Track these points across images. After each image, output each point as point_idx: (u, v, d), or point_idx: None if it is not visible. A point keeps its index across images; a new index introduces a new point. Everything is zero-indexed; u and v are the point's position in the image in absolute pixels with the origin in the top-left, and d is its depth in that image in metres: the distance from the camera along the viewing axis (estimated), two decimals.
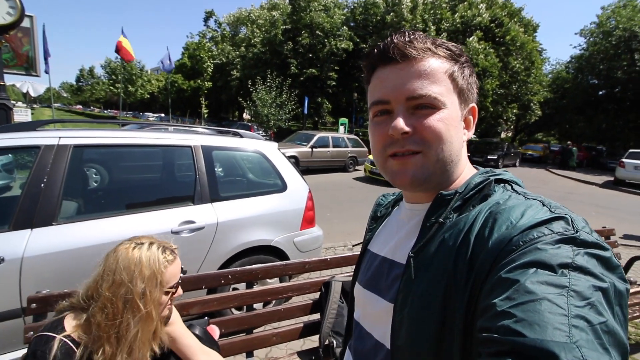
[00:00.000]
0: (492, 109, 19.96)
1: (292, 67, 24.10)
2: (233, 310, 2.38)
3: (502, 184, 0.59)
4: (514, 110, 22.03)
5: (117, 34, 14.37)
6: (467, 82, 0.60)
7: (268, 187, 2.85)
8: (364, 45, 23.86)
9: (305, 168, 11.10)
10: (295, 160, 10.54)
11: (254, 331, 1.64)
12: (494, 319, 0.39)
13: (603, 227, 2.73)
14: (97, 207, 2.44)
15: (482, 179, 0.59)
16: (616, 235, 2.83)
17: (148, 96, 48.60)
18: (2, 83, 4.25)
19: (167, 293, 1.02)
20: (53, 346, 0.87)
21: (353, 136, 14.02)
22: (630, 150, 13.46)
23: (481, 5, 20.60)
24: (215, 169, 2.56)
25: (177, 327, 1.15)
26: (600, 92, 24.29)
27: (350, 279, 1.69)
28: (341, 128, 19.22)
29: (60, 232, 1.88)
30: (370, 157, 11.05)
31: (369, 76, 0.63)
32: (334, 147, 12.29)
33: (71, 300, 1.00)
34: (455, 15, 20.40)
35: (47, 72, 12.19)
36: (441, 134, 0.55)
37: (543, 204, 0.50)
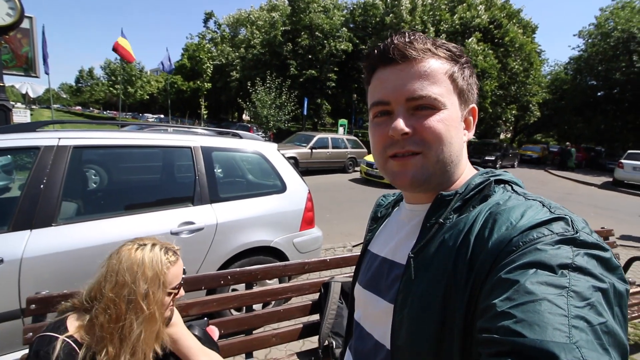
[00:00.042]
0: (491, 110, 19.97)
1: (292, 68, 24.10)
2: (232, 311, 2.37)
3: (502, 185, 0.59)
4: (513, 112, 22.04)
5: (117, 35, 14.29)
6: (467, 83, 0.60)
7: (267, 188, 2.85)
8: (364, 47, 23.89)
9: (304, 169, 11.09)
10: (294, 161, 10.55)
11: (254, 332, 1.64)
12: (494, 320, 0.40)
13: (602, 228, 2.73)
14: (96, 208, 2.43)
15: (482, 180, 0.59)
16: (615, 236, 2.83)
17: (147, 97, 48.56)
18: (1, 84, 4.24)
19: (169, 294, 1.02)
20: (56, 346, 0.86)
21: (352, 137, 14.03)
22: (629, 151, 13.48)
23: (480, 6, 20.63)
24: (215, 170, 2.55)
25: (179, 329, 1.15)
26: (599, 93, 24.35)
27: (350, 279, 1.70)
28: (340, 129, 19.22)
29: (59, 233, 1.88)
30: (366, 158, 11.04)
31: (369, 77, 0.63)
32: (333, 148, 12.30)
33: (74, 301, 1.00)
34: (454, 17, 20.41)
35: (47, 72, 12.18)
36: (441, 135, 0.55)
37: (543, 205, 0.50)
